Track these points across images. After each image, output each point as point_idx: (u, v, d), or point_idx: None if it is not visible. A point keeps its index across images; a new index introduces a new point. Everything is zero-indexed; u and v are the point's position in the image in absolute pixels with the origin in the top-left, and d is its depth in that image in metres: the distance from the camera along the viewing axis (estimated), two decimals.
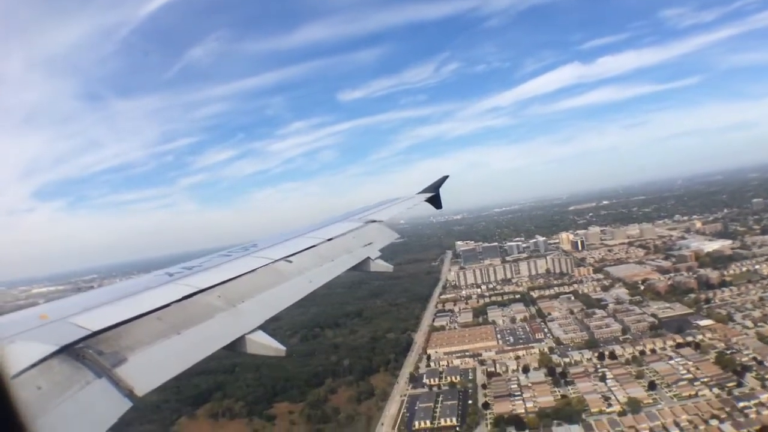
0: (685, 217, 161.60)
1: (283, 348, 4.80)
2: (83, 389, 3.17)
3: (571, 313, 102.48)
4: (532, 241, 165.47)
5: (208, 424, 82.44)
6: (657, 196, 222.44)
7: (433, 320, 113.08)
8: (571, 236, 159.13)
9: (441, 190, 13.85)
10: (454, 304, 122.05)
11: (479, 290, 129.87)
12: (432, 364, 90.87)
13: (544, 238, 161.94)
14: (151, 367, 3.73)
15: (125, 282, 6.28)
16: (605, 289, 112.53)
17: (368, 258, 7.81)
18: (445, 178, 14.16)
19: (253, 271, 6.03)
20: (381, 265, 7.84)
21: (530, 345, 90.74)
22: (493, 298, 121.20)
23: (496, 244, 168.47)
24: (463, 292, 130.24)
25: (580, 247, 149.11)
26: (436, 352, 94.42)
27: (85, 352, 3.48)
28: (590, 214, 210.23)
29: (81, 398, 3.11)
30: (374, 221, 9.90)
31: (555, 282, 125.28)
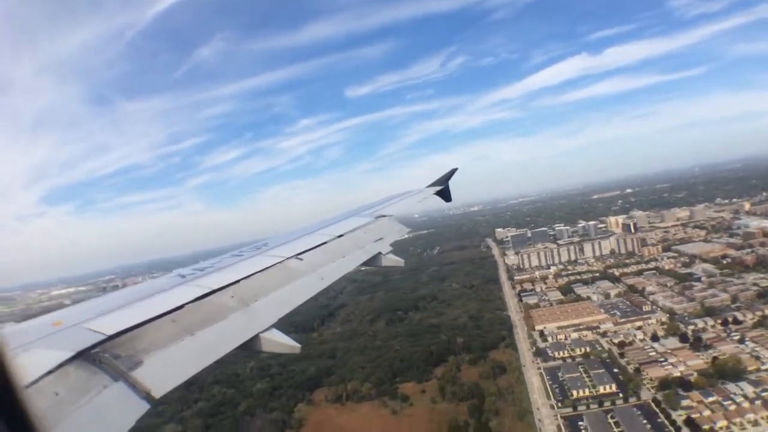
0: (726, 200, 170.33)
1: (298, 345, 4.90)
2: (100, 393, 3.27)
3: (666, 286, 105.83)
4: (580, 225, 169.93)
5: (333, 408, 79.87)
6: (683, 183, 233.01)
7: (520, 299, 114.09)
8: (621, 219, 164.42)
9: (449, 183, 14.15)
10: (533, 284, 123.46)
11: (549, 271, 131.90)
12: (549, 338, 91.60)
13: (593, 222, 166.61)
14: (168, 369, 3.83)
15: (138, 286, 6.35)
16: (686, 265, 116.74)
17: (379, 253, 7.95)
18: (454, 170, 14.44)
19: (265, 269, 6.17)
20: (392, 260, 8.03)
21: (643, 316, 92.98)
22: (571, 278, 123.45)
23: (544, 229, 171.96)
24: (536, 273, 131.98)
25: (633, 230, 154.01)
26: (545, 327, 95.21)
27: (101, 357, 3.57)
28: (620, 201, 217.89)
29: (98, 402, 3.20)
30: (384, 216, 10.02)
31: (628, 261, 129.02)
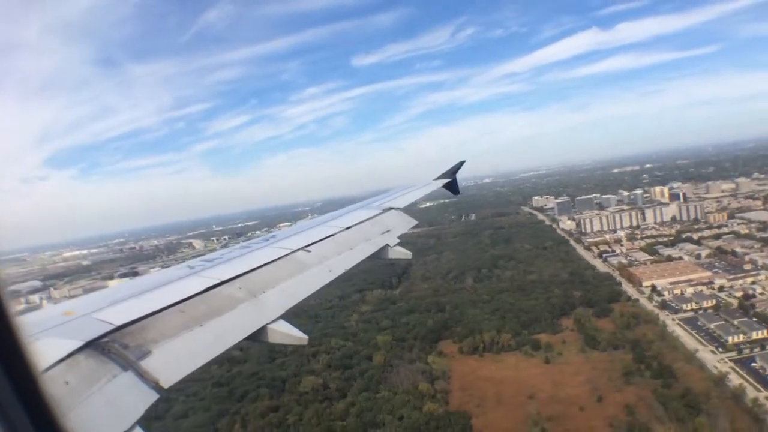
0: (763, 175, 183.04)
1: (305, 337, 5.29)
2: (110, 383, 3.49)
3: (754, 248, 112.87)
4: (624, 194, 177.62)
5: (472, 359, 79.86)
6: (705, 160, 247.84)
7: (605, 259, 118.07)
8: (668, 189, 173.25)
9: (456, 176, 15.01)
10: (608, 247, 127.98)
11: (619, 235, 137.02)
12: (665, 293, 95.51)
13: (640, 191, 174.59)
14: (176, 359, 4.09)
15: (147, 276, 6.93)
16: (760, 230, 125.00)
17: (387, 245, 8.52)
18: (462, 163, 15.34)
19: (273, 261, 6.57)
20: (399, 252, 8.57)
21: (753, 273, 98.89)
22: (647, 241, 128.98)
23: (592, 196, 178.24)
24: (606, 236, 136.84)
25: (682, 199, 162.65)
26: (655, 283, 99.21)
27: (110, 346, 3.82)
28: (644, 174, 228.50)
29: (108, 392, 3.41)
30: (392, 208, 10.69)
31: (696, 227, 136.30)
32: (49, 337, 3.75)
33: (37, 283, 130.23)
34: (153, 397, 3.62)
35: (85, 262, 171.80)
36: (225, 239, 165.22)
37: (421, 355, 79.90)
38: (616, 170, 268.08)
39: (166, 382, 3.76)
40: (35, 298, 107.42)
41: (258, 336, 5.01)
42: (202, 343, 4.44)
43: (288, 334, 5.13)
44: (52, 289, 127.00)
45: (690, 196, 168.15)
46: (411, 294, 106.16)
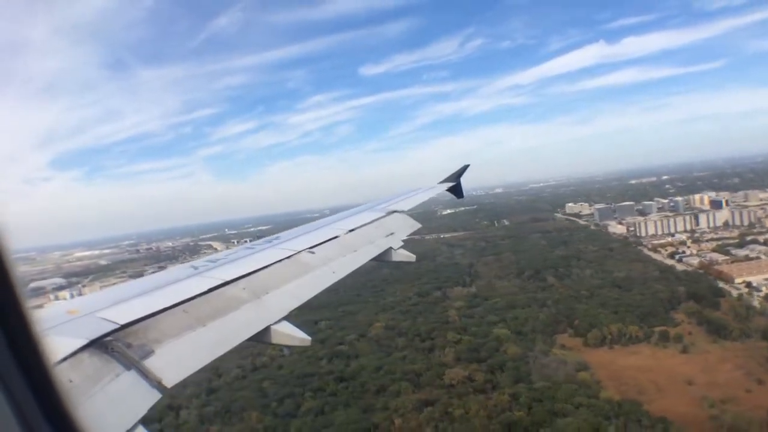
0: None
1: (308, 338, 5.54)
2: (113, 381, 3.71)
3: None
4: (664, 201, 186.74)
5: (601, 351, 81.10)
6: (721, 172, 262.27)
7: (679, 259, 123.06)
8: (707, 197, 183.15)
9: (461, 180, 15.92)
10: (675, 249, 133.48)
11: (681, 238, 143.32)
12: (763, 288, 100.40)
13: (680, 198, 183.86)
14: (179, 359, 4.35)
15: (151, 276, 7.32)
16: None
17: (390, 248, 9.01)
18: (466, 167, 16.16)
19: (277, 262, 6.92)
20: (403, 255, 9.08)
21: None
22: (712, 243, 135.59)
23: (631, 203, 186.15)
24: (668, 239, 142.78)
25: (724, 206, 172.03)
26: (747, 279, 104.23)
27: (114, 345, 4.03)
28: (667, 185, 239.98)
29: (111, 390, 3.63)
30: (396, 211, 11.27)
31: (756, 230, 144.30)
32: (53, 335, 3.85)
33: (60, 281, 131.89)
34: (156, 396, 3.76)
35: (102, 262, 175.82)
36: (246, 242, 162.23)
37: (547, 348, 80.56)
38: (633, 181, 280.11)
39: (169, 381, 3.91)
40: (65, 294, 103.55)
41: (261, 337, 5.20)
42: (205, 343, 4.62)
43: (291, 335, 5.34)
44: (80, 286, 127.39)
45: (730, 203, 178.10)
46: (495, 291, 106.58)
